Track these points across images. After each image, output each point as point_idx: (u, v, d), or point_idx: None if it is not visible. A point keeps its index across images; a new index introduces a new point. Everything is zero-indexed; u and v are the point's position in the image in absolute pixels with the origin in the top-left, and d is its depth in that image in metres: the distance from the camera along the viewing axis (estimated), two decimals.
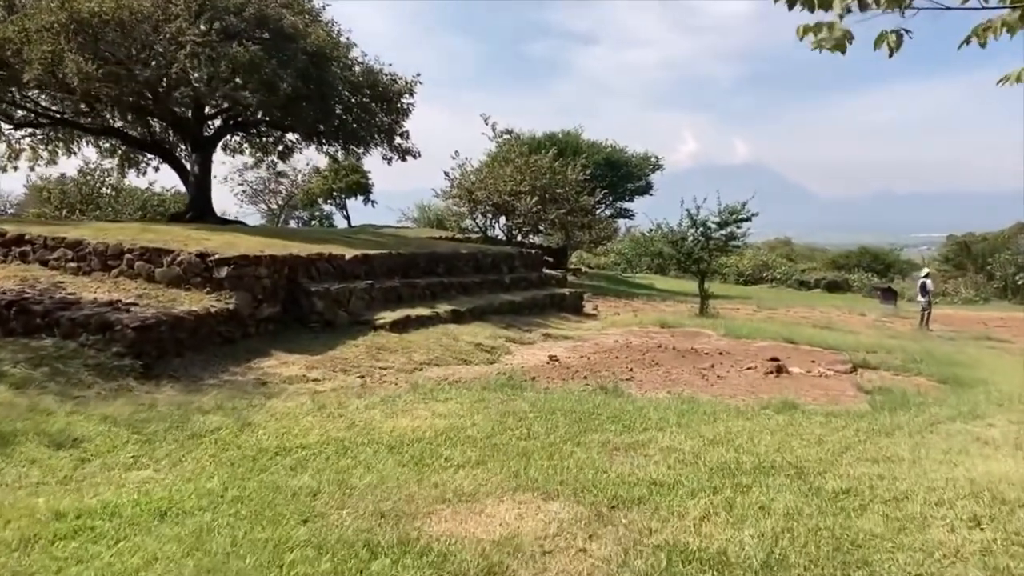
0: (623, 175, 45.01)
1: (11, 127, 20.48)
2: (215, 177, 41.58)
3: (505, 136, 35.26)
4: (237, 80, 16.71)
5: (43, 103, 19.86)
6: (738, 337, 16.49)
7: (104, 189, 32.79)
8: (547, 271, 23.72)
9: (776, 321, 21.84)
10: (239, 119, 21.28)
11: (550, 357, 13.05)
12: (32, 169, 22.21)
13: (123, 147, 23.17)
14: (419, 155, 23.51)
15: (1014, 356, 16.63)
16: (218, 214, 22.90)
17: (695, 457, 6.47)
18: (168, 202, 35.17)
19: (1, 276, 11.66)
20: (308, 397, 8.70)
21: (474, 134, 35.84)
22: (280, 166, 25.35)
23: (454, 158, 31.98)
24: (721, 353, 14.00)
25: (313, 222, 48.93)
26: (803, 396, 9.90)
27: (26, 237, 12.31)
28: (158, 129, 22.51)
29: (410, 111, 22.15)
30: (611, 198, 45.31)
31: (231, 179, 42.90)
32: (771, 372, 11.92)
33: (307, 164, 45.26)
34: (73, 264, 12.05)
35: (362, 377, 10.68)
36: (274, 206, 47.26)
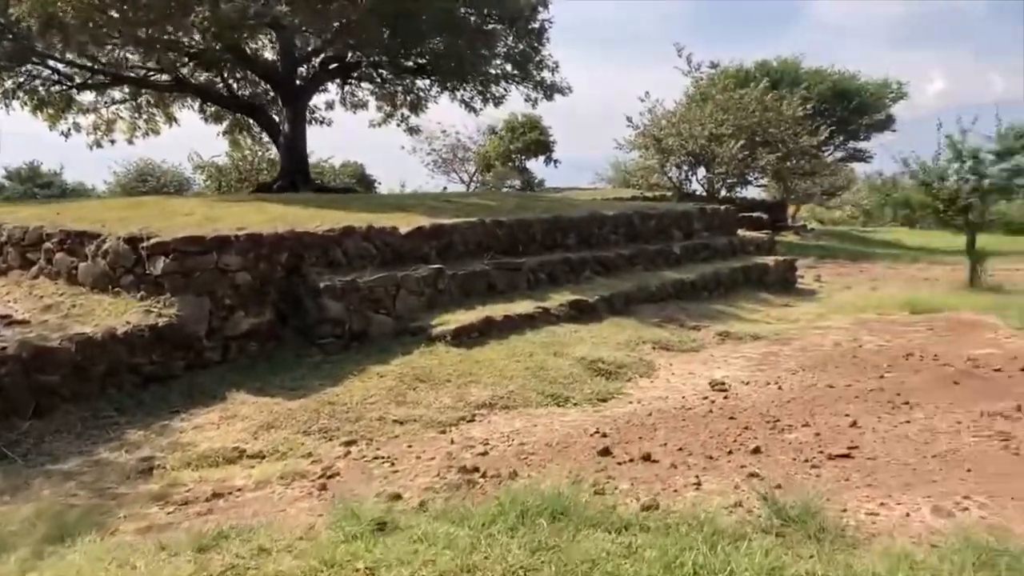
0: (855, 108, 36.01)
1: (72, 89, 17.33)
2: (405, 149, 38.22)
3: (705, 69, 28.10)
4: None
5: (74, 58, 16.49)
6: None
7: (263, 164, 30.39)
8: (748, 233, 17.89)
9: None
10: (336, 63, 17.05)
11: (712, 384, 7.78)
12: (130, 142, 19.52)
13: (222, 110, 19.79)
14: (570, 91, 18.25)
15: None
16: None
17: None
18: (327, 172, 32.41)
19: None
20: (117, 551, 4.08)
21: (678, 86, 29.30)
22: (414, 121, 20.66)
23: (642, 100, 26.09)
24: None
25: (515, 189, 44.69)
26: None
27: None
28: (240, 84, 18.71)
29: (545, 31, 16.81)
30: (841, 137, 36.84)
31: (419, 149, 39.64)
32: None
33: (487, 124, 41.05)
34: None
35: (348, 445, 6.08)
36: (464, 175, 43.71)
